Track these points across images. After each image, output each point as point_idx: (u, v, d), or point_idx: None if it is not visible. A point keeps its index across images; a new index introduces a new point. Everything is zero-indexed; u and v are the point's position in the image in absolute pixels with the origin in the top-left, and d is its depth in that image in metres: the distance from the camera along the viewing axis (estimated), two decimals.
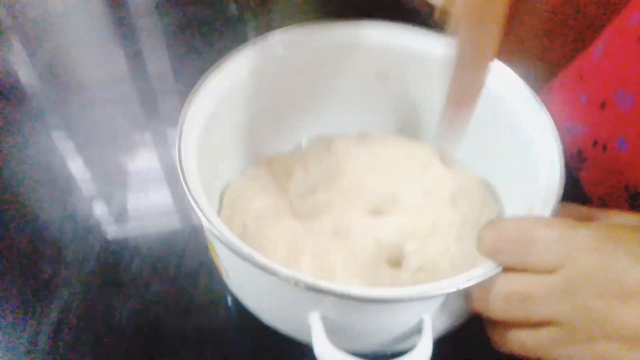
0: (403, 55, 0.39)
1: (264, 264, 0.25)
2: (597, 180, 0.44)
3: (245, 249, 0.25)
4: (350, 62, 0.39)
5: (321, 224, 0.35)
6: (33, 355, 0.36)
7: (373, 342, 0.29)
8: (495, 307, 0.26)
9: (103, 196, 0.47)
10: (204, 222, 0.27)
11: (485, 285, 0.26)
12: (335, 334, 0.27)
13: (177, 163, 0.29)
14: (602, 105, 0.43)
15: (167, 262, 0.41)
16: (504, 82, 0.35)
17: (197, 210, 0.27)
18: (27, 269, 0.41)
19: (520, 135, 0.34)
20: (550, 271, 0.25)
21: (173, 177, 0.48)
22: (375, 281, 0.32)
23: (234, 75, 0.35)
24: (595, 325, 0.24)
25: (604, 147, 0.43)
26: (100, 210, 0.46)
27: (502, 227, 0.26)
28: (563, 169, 0.30)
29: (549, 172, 0.30)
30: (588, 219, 0.29)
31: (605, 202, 0.44)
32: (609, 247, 0.24)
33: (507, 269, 0.26)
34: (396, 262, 0.34)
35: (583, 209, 0.30)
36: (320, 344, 0.25)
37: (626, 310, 0.23)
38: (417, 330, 0.27)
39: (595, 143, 0.44)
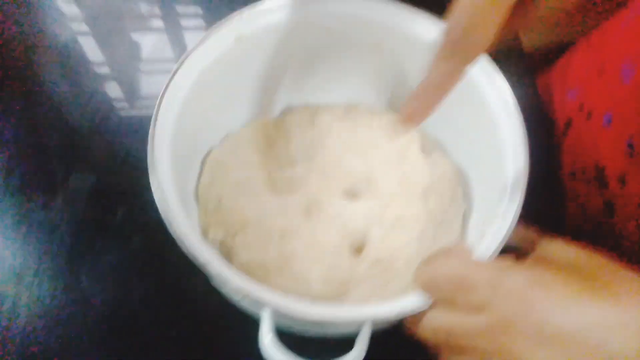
0: (399, 33, 0.37)
1: (218, 273, 0.27)
2: (574, 151, 0.44)
3: (203, 255, 0.27)
4: (345, 33, 0.38)
5: (295, 201, 0.37)
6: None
7: (320, 333, 0.32)
8: (425, 336, 0.29)
9: (114, 77, 0.50)
10: (171, 230, 0.28)
11: (417, 315, 0.28)
12: (286, 320, 0.30)
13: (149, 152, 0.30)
14: (600, 72, 0.42)
15: None
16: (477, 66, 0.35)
17: (163, 215, 0.28)
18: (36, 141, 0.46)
19: (490, 123, 0.35)
20: (477, 311, 0.27)
21: None
22: (333, 271, 0.34)
23: (222, 41, 0.35)
24: None
25: (589, 114, 0.42)
26: (111, 90, 0.49)
27: (438, 266, 0.28)
28: (527, 159, 0.31)
29: (515, 163, 0.32)
30: (531, 247, 0.30)
31: (575, 177, 0.44)
32: (533, 292, 0.26)
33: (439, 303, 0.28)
34: (359, 249, 0.36)
35: (531, 235, 0.31)
36: (265, 338, 0.28)
37: (543, 354, 0.25)
38: (358, 329, 0.30)
39: (581, 107, 0.43)
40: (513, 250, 0.30)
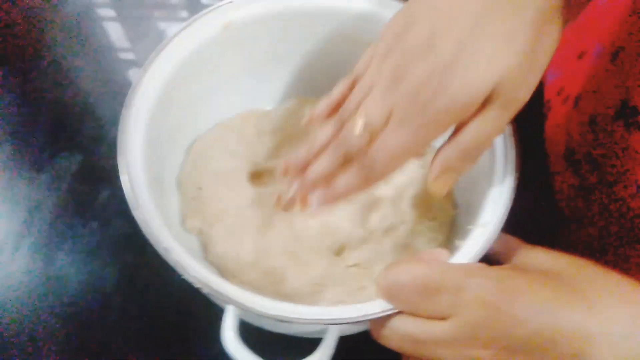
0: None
1: (177, 261, 0.26)
2: (549, 134, 0.43)
3: (165, 243, 0.26)
4: (344, 27, 0.37)
5: (275, 194, 0.36)
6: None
7: (285, 331, 0.31)
8: (390, 343, 0.27)
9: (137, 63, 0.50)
10: (133, 211, 0.27)
11: (383, 321, 0.27)
12: (249, 318, 0.29)
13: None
14: (581, 55, 0.41)
15: None
16: None
17: (127, 197, 0.28)
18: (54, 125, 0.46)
19: None
20: (441, 318, 0.25)
21: None
22: (308, 270, 0.33)
23: (208, 27, 0.34)
24: None
25: (565, 99, 0.41)
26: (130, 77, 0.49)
27: (398, 272, 0.26)
28: (516, 172, 0.30)
29: (504, 172, 0.31)
30: (509, 254, 0.29)
31: (549, 162, 0.42)
32: (501, 299, 0.24)
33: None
34: (339, 250, 0.35)
35: (512, 241, 0.30)
36: (227, 335, 0.27)
37: None
38: (324, 329, 0.29)
39: (560, 90, 0.42)
40: (493, 261, 0.29)
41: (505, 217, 0.29)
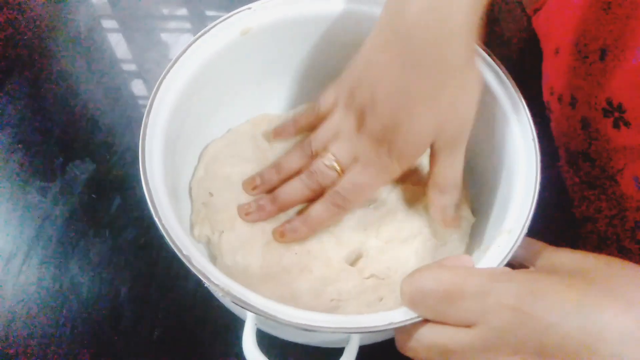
0: None
1: (198, 268, 0.26)
2: (554, 134, 0.43)
3: (186, 250, 0.26)
4: (360, 33, 0.37)
5: None
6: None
7: (305, 341, 0.31)
8: (417, 355, 0.26)
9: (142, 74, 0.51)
10: (155, 217, 0.27)
11: (408, 331, 0.26)
12: (269, 326, 0.29)
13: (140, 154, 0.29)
14: (557, 51, 0.41)
15: None
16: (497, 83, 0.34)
17: (150, 204, 0.27)
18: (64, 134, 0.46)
19: (502, 138, 0.33)
20: (468, 326, 0.25)
21: None
22: (323, 284, 0.33)
23: (227, 33, 0.34)
24: None
25: (559, 98, 0.41)
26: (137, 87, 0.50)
27: (422, 279, 0.26)
28: (539, 179, 0.30)
29: (526, 178, 0.31)
30: (533, 257, 0.29)
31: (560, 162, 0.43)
32: (527, 304, 0.24)
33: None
34: (355, 260, 0.35)
35: (535, 244, 0.29)
36: (247, 343, 0.27)
37: None
38: (346, 339, 0.29)
39: (552, 91, 0.42)
40: (517, 266, 0.29)
41: (529, 223, 0.29)
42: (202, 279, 0.25)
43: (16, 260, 0.40)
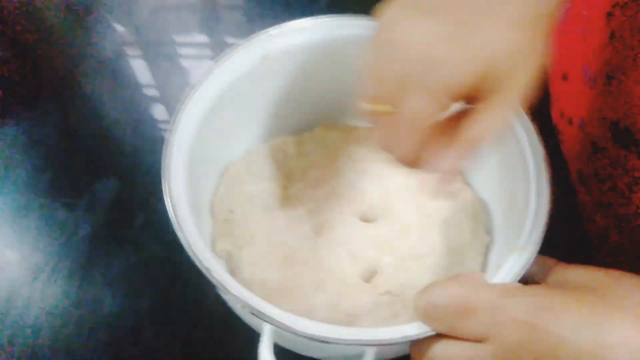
0: None
1: (218, 279, 0.27)
2: (566, 156, 0.43)
3: (207, 263, 0.28)
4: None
5: (305, 218, 0.37)
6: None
7: (320, 355, 0.32)
8: None
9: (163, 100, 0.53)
10: (177, 231, 0.29)
11: (421, 346, 0.27)
12: (286, 340, 0.30)
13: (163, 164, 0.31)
14: (565, 77, 0.42)
15: None
16: None
17: (172, 218, 0.29)
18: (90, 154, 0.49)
19: (516, 154, 0.34)
20: (480, 340, 0.25)
21: None
22: (339, 300, 0.34)
23: (248, 58, 0.36)
24: None
25: (569, 121, 0.42)
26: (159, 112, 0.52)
27: (435, 293, 0.27)
28: (550, 197, 0.31)
29: (538, 194, 0.31)
30: (545, 274, 0.29)
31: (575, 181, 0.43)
32: (540, 319, 0.24)
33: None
34: (368, 277, 0.36)
35: (547, 261, 0.30)
36: (263, 355, 0.28)
37: None
38: (361, 354, 0.29)
39: (562, 115, 0.43)
40: (529, 283, 0.30)
41: (541, 240, 0.30)
42: (221, 290, 0.27)
43: (43, 274, 0.42)
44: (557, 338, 0.23)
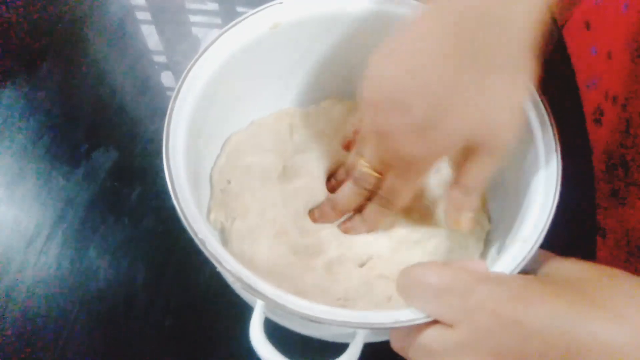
0: None
1: (212, 252, 0.27)
2: (595, 140, 0.43)
3: (201, 234, 0.27)
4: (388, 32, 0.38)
5: (300, 195, 0.37)
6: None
7: (311, 333, 0.32)
8: (407, 354, 0.27)
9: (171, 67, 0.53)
10: (174, 201, 0.29)
11: (399, 332, 0.27)
12: (276, 315, 0.30)
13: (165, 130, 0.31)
14: (609, 55, 0.42)
15: None
16: None
17: (169, 185, 0.29)
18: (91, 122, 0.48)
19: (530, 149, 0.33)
20: (451, 325, 0.25)
21: None
22: (330, 283, 0.34)
23: (256, 27, 0.36)
24: None
25: (614, 101, 0.41)
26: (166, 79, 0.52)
27: (415, 271, 0.27)
28: (559, 186, 0.31)
29: (545, 186, 0.31)
30: (538, 265, 0.28)
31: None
32: (509, 308, 0.23)
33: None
34: (366, 259, 0.36)
35: (544, 255, 0.29)
36: (254, 331, 0.28)
37: None
38: (352, 333, 0.29)
39: (606, 95, 0.42)
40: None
41: (545, 233, 0.29)
42: (214, 263, 0.27)
43: (38, 241, 0.42)
44: (524, 330, 0.23)
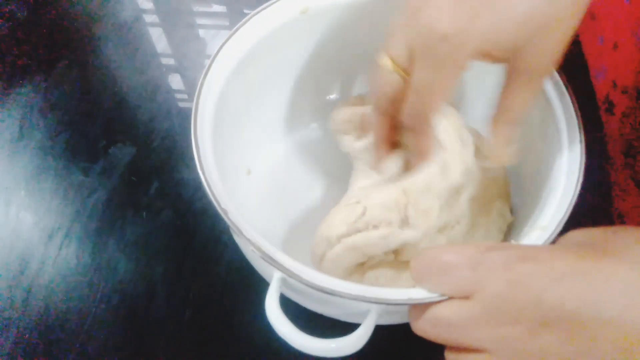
0: None
1: (233, 222, 0.28)
2: (611, 130, 0.43)
3: (223, 204, 0.29)
4: None
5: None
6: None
7: (325, 310, 0.33)
8: (427, 331, 0.27)
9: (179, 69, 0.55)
10: (199, 170, 0.30)
11: (417, 311, 0.27)
12: (292, 290, 0.31)
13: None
14: (615, 46, 0.42)
15: None
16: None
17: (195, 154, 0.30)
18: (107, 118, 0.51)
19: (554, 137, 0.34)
20: (466, 298, 0.25)
21: None
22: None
23: (285, 11, 0.37)
24: (518, 356, 0.24)
25: (624, 90, 0.41)
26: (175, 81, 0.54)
27: (426, 255, 0.27)
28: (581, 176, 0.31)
29: (568, 175, 0.32)
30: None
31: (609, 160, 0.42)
32: (518, 269, 0.24)
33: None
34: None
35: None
36: (270, 303, 0.29)
37: (546, 339, 0.23)
38: (365, 313, 0.30)
39: (614, 85, 0.43)
40: None
41: (564, 222, 0.30)
42: (235, 231, 0.28)
43: (58, 236, 0.44)
44: (534, 289, 0.23)
